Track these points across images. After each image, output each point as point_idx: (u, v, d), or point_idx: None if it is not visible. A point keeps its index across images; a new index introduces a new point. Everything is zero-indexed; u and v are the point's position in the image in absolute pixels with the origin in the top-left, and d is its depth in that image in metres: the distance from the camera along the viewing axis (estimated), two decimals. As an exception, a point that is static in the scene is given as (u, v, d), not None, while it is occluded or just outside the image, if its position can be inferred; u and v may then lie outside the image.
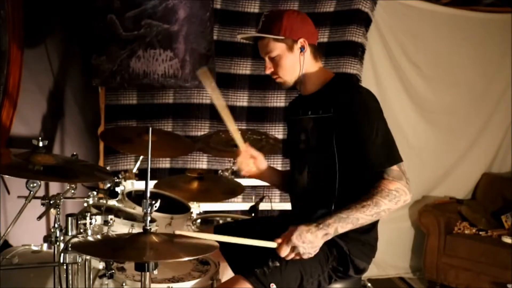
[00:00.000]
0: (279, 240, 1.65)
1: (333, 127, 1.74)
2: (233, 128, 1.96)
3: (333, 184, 1.76)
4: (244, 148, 1.97)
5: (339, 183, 1.75)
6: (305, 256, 1.63)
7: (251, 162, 1.98)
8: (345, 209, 1.65)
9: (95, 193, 2.09)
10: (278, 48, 1.79)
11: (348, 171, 1.73)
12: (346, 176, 1.74)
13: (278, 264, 1.66)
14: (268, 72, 1.85)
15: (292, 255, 1.64)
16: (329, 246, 1.75)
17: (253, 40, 1.89)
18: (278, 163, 3.54)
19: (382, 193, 1.63)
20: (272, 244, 1.65)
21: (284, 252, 1.63)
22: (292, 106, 2.02)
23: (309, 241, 1.62)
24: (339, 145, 1.73)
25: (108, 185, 2.20)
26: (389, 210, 1.66)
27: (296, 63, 1.80)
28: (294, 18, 1.79)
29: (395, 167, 1.66)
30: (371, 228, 1.82)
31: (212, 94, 1.99)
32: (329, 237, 1.64)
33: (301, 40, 1.78)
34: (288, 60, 1.80)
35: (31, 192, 1.80)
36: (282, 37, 1.77)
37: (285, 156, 2.14)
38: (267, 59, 1.83)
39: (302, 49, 1.79)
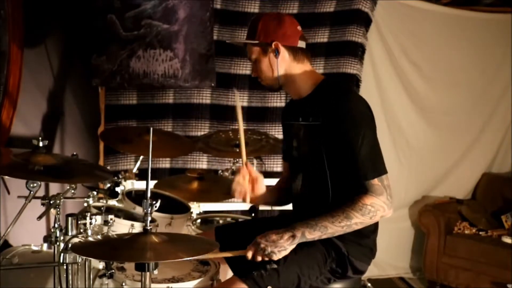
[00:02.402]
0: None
1: (322, 135, 1.74)
2: (243, 138, 1.94)
3: (326, 191, 1.76)
4: (247, 165, 1.92)
5: (332, 189, 1.75)
6: (271, 256, 1.64)
7: (248, 185, 1.90)
8: (317, 217, 1.67)
9: (95, 193, 2.09)
10: (254, 52, 1.82)
11: (339, 178, 1.73)
12: (338, 182, 1.74)
13: (275, 266, 1.67)
14: (253, 75, 1.89)
15: (259, 256, 1.65)
16: (327, 247, 1.76)
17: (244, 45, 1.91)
18: (279, 163, 3.54)
19: (355, 206, 1.63)
20: (245, 252, 1.68)
21: (250, 252, 1.66)
22: (286, 111, 2.02)
23: (272, 240, 1.65)
24: (328, 153, 1.73)
25: (108, 185, 2.20)
26: (363, 224, 1.66)
27: (270, 66, 1.81)
28: (269, 22, 1.79)
29: (376, 181, 1.65)
30: (371, 234, 1.82)
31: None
32: (296, 240, 1.65)
33: (274, 43, 1.78)
34: (264, 64, 1.81)
35: (31, 192, 1.80)
36: (256, 41, 1.79)
37: (284, 160, 2.12)
38: (252, 63, 1.87)
39: (276, 52, 1.78)
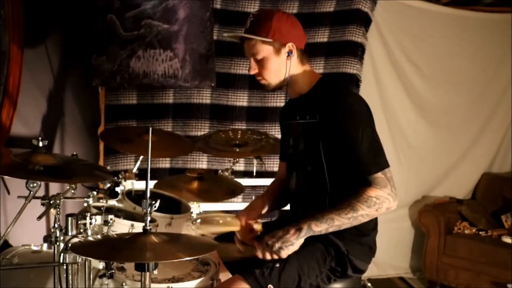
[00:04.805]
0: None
1: (319, 133, 1.74)
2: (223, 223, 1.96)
3: (325, 187, 1.76)
4: (240, 227, 1.89)
5: (330, 185, 1.76)
6: (280, 253, 1.65)
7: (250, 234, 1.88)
8: (323, 210, 1.67)
9: (95, 193, 2.09)
10: (264, 50, 1.76)
11: (338, 175, 1.74)
12: (336, 179, 1.74)
13: (277, 265, 1.67)
14: (252, 73, 1.82)
15: (267, 253, 1.67)
16: (327, 246, 1.76)
17: (239, 39, 1.84)
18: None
19: (361, 198, 1.64)
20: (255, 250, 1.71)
21: (259, 253, 1.68)
22: (284, 110, 2.03)
23: (279, 236, 1.66)
24: (326, 150, 1.73)
25: (108, 185, 2.20)
26: (369, 216, 1.67)
27: (282, 67, 1.78)
28: (284, 21, 1.77)
29: (379, 175, 1.66)
30: (370, 232, 1.82)
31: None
32: (303, 233, 1.65)
33: (289, 45, 1.77)
34: (274, 64, 1.78)
35: (31, 192, 1.79)
36: (270, 40, 1.75)
37: (281, 160, 2.11)
38: (252, 60, 1.80)
39: (289, 53, 1.77)
